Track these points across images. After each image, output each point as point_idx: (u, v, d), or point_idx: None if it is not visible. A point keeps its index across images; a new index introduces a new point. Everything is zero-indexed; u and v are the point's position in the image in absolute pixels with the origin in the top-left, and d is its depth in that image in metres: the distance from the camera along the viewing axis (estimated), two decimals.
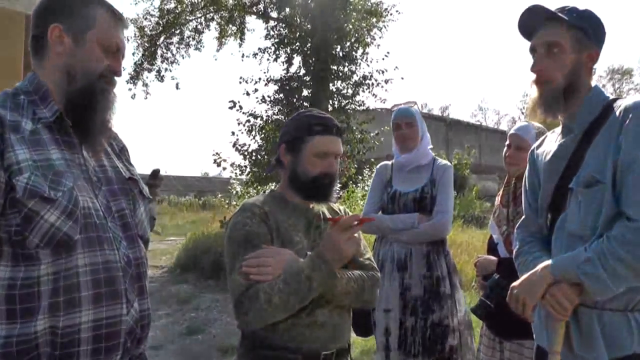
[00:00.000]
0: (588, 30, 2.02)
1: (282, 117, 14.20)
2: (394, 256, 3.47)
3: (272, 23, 15.98)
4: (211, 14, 17.76)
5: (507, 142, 3.14)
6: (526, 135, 3.06)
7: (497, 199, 3.27)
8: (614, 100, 2.00)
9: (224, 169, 14.09)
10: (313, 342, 2.05)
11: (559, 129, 2.15)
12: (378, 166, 3.80)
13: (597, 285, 1.80)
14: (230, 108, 14.03)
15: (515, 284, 2.04)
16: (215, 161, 13.85)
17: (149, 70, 18.28)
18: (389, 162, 3.75)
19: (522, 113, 62.51)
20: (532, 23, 2.09)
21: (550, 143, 2.17)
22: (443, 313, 3.35)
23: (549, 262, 1.93)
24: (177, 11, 17.47)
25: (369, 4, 15.54)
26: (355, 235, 2.01)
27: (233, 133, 13.92)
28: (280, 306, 1.95)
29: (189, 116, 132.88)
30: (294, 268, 1.98)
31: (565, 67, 2.01)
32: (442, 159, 3.65)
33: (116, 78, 1.81)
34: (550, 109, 2.05)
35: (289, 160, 2.22)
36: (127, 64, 20.92)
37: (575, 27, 2.01)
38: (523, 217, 2.30)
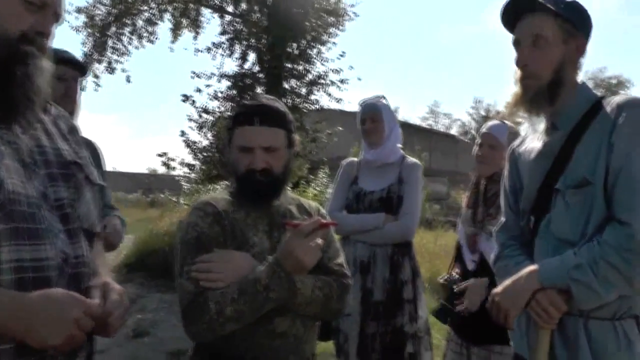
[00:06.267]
0: (575, 21, 1.90)
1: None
2: (357, 258, 3.33)
3: (227, 18, 15.76)
4: (165, 5, 17.34)
5: (479, 141, 3.04)
6: (500, 134, 2.96)
7: (464, 201, 3.17)
8: (603, 97, 1.89)
9: (173, 168, 13.82)
10: (271, 353, 1.87)
11: (541, 127, 2.03)
12: (345, 163, 3.65)
13: (587, 293, 1.70)
14: (184, 101, 13.77)
15: (497, 290, 1.91)
16: (163, 163, 13.56)
17: (99, 62, 17.75)
18: (356, 159, 3.62)
19: (473, 119, 63.57)
20: (516, 14, 1.96)
21: (534, 141, 2.05)
22: (404, 319, 3.24)
23: (534, 267, 1.81)
24: (129, 1, 17.00)
25: (328, 2, 15.44)
26: (318, 241, 1.80)
27: (183, 133, 13.63)
28: (233, 317, 1.77)
29: (137, 110, 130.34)
30: (250, 275, 1.80)
31: (552, 61, 1.89)
32: (412, 158, 3.52)
33: (47, 41, 1.51)
34: (535, 106, 1.93)
35: (228, 155, 2.05)
36: (76, 53, 20.27)
37: (562, 18, 1.89)
38: (503, 219, 2.18)
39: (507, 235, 2.11)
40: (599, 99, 1.89)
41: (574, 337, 1.78)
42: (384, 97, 3.50)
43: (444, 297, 3.05)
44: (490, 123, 3.10)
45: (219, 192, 2.11)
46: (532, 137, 2.08)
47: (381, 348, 3.22)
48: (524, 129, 2.20)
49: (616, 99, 1.82)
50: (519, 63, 1.93)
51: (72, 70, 2.90)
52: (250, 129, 1.95)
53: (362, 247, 3.33)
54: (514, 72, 1.96)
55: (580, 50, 1.93)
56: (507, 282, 1.87)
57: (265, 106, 1.98)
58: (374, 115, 3.41)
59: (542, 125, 2.01)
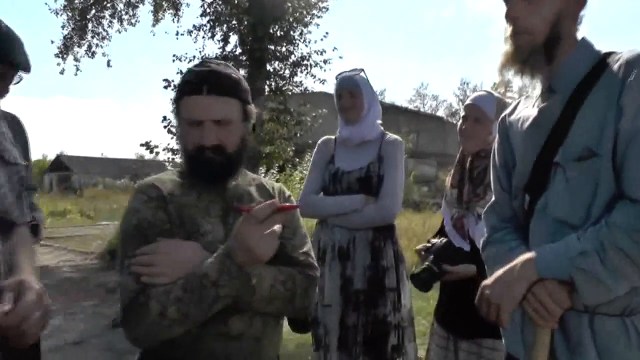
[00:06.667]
0: None
1: None
2: (335, 244, 3.10)
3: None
4: None
5: (463, 114, 2.75)
6: (486, 105, 2.67)
7: (448, 181, 2.91)
8: (608, 54, 1.61)
9: (157, 153, 13.59)
10: (225, 359, 1.61)
11: (536, 92, 1.75)
12: (320, 141, 3.38)
13: (594, 285, 1.42)
14: (165, 87, 13.48)
15: (487, 282, 1.63)
16: (147, 147, 13.33)
17: (79, 45, 17.38)
18: (332, 137, 3.35)
19: (460, 101, 63.39)
20: None
21: (527, 109, 1.76)
22: (387, 309, 3.01)
23: (530, 254, 1.53)
24: None
25: None
26: (275, 227, 1.51)
27: (165, 118, 13.36)
28: (178, 319, 1.50)
29: (124, 95, 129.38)
30: (197, 270, 1.53)
31: (548, 14, 1.59)
32: (393, 134, 3.26)
33: None
34: (529, 65, 1.63)
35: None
36: (56, 37, 19.94)
37: None
38: (493, 199, 1.91)
39: (498, 217, 1.84)
40: (603, 55, 1.60)
41: (577, 336, 1.52)
42: (363, 71, 3.24)
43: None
44: (475, 94, 2.81)
45: (167, 173, 1.84)
46: (526, 104, 1.81)
47: (363, 340, 3.00)
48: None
49: (625, 55, 1.53)
50: (509, 16, 1.64)
51: (12, 69, 2.66)
52: (198, 99, 1.66)
53: (341, 232, 3.10)
54: (504, 29, 1.67)
55: (581, 2, 1.64)
56: (499, 272, 1.60)
57: (214, 72, 1.69)
58: (351, 89, 3.15)
59: (537, 89, 1.74)
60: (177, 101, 1.73)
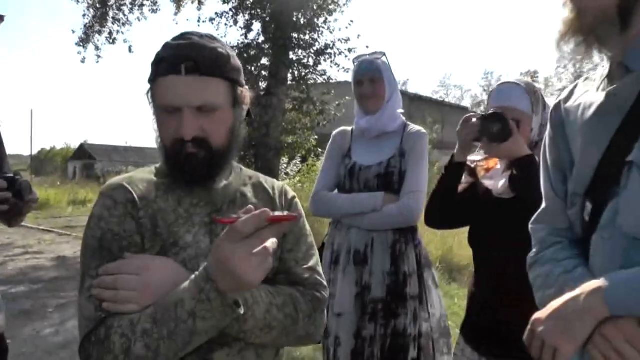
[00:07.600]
0: None
1: None
2: (351, 247, 2.80)
3: None
4: None
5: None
6: (521, 103, 2.17)
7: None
8: None
9: None
10: None
11: (600, 72, 1.39)
12: (335, 132, 3.08)
13: None
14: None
15: (539, 316, 1.27)
16: None
17: (100, 33, 17.33)
18: (349, 128, 3.05)
19: (485, 91, 62.41)
20: None
21: (589, 93, 1.39)
22: (408, 319, 2.70)
23: (598, 283, 1.17)
24: None
25: None
26: (268, 244, 1.15)
27: None
28: (145, 357, 1.19)
29: (145, 84, 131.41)
30: (171, 295, 1.21)
31: None
32: (416, 125, 2.93)
33: None
34: (594, 37, 1.26)
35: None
36: (77, 26, 19.97)
37: None
38: (542, 206, 1.53)
39: (549, 228, 1.47)
40: None
41: None
42: (384, 55, 2.91)
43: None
44: (500, 88, 2.27)
45: (141, 171, 1.51)
46: (586, 86, 1.43)
47: (380, 353, 2.71)
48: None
49: None
50: None
51: None
52: (175, 80, 1.33)
53: (358, 233, 2.80)
54: None
55: None
56: (555, 303, 1.24)
57: (196, 46, 1.34)
58: (373, 75, 2.85)
59: (602, 68, 1.38)
60: (150, 83, 1.40)
